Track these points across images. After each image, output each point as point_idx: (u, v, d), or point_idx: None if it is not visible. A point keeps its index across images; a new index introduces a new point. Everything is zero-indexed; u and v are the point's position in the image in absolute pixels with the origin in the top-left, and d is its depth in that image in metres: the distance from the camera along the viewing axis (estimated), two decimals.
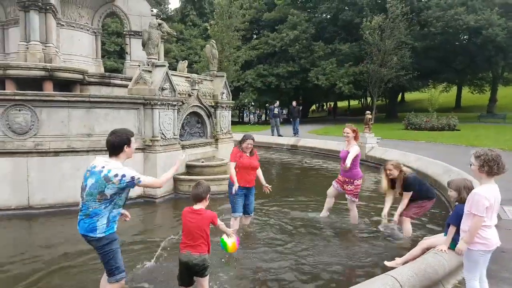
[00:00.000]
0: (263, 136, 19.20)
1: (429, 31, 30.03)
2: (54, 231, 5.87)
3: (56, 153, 6.79)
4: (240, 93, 35.46)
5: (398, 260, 4.31)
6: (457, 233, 3.47)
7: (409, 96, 53.74)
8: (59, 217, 6.42)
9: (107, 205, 3.22)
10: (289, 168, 12.60)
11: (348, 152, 5.74)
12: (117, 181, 3.16)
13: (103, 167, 3.22)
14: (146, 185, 3.39)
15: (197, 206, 3.54)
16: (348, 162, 5.58)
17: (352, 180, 5.86)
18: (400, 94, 46.62)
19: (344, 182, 5.97)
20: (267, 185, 5.69)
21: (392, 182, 5.31)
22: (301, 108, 40.69)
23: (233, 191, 5.36)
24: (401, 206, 5.20)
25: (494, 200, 3.12)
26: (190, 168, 8.51)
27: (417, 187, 5.20)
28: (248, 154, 5.57)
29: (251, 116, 54.87)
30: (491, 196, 3.10)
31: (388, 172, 5.17)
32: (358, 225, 6.10)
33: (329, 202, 6.34)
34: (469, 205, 3.17)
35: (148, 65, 7.90)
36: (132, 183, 3.22)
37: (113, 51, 34.48)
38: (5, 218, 6.28)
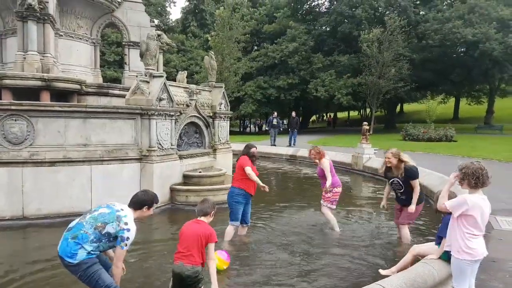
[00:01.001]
0: (262, 146, 19.22)
1: (427, 43, 30.35)
2: (48, 242, 5.78)
3: (52, 163, 6.75)
4: (241, 104, 35.58)
5: (393, 268, 4.33)
6: None
7: (408, 107, 54.07)
8: (54, 227, 6.33)
9: (94, 240, 3.25)
10: (288, 177, 12.58)
11: (319, 170, 6.22)
12: (121, 227, 3.31)
13: (122, 209, 3.44)
14: (120, 255, 3.38)
15: (200, 219, 3.64)
16: (329, 182, 6.00)
17: (331, 188, 6.10)
18: (399, 105, 46.89)
19: (324, 191, 6.20)
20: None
21: (388, 169, 5.47)
22: (301, 119, 40.84)
23: (264, 188, 5.50)
24: (415, 196, 5.19)
25: (479, 210, 3.14)
26: (187, 179, 8.47)
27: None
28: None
29: (252, 126, 55.05)
30: (475, 204, 3.13)
31: (387, 160, 5.33)
32: (357, 232, 6.20)
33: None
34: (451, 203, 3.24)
35: (146, 75, 7.93)
36: (122, 240, 3.31)
37: (113, 61, 34.63)
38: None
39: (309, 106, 44.77)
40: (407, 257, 4.25)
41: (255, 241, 5.78)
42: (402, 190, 5.28)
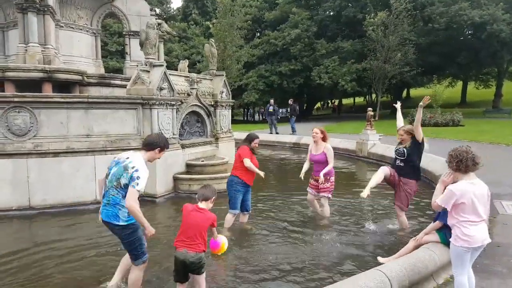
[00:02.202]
0: (266, 134, 19.24)
1: (433, 27, 29.81)
2: (54, 231, 5.90)
3: (56, 154, 6.82)
4: (243, 92, 35.40)
5: (391, 258, 4.29)
6: (449, 229, 3.43)
7: (415, 92, 53.44)
8: (60, 217, 6.47)
9: (124, 195, 3.38)
10: (291, 164, 12.58)
11: (321, 154, 5.98)
12: (130, 172, 3.39)
13: (127, 158, 3.51)
14: (131, 195, 3.33)
15: (201, 205, 3.64)
16: (331, 166, 5.92)
17: (328, 178, 5.99)
18: (405, 90, 46.37)
19: (320, 181, 5.98)
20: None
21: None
22: (305, 106, 40.49)
23: (262, 175, 5.50)
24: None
25: (469, 195, 3.09)
26: (190, 167, 8.51)
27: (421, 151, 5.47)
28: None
29: (256, 115, 54.83)
30: (463, 191, 3.09)
31: (400, 137, 5.54)
32: (358, 218, 6.19)
33: (315, 206, 6.37)
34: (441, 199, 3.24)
35: (146, 65, 7.91)
36: (133, 179, 3.37)
37: (115, 51, 34.55)
38: (6, 219, 6.34)
39: (313, 94, 44.42)
40: (408, 248, 4.21)
41: (256, 228, 5.81)
42: (404, 158, 5.42)
